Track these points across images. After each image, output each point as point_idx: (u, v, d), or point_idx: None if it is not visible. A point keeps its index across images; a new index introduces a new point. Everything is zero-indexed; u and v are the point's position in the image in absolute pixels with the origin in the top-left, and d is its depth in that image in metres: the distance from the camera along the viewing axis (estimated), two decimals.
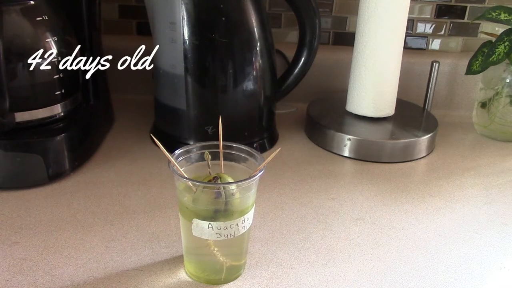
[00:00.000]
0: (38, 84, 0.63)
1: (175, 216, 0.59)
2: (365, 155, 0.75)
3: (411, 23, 0.97)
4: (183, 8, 0.67)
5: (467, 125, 0.90)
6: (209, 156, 0.49)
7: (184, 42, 0.68)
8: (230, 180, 0.47)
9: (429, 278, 0.51)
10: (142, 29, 0.95)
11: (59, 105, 0.66)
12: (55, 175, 0.64)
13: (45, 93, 0.64)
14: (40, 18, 0.63)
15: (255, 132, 0.76)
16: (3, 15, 0.58)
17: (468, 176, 0.73)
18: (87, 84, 0.73)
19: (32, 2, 0.62)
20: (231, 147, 0.50)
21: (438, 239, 0.58)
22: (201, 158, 0.50)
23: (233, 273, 0.49)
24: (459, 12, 0.96)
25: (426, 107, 0.87)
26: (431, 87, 0.86)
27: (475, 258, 0.55)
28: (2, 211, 0.58)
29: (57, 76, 0.64)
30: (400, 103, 0.83)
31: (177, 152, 0.49)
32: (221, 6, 0.68)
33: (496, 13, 0.79)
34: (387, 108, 0.81)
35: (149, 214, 0.59)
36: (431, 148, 0.80)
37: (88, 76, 0.71)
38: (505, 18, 0.78)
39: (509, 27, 0.78)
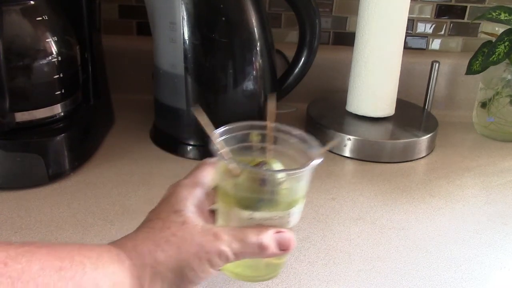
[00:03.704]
0: (38, 84, 0.63)
1: None
2: (365, 155, 0.75)
3: (411, 23, 0.97)
4: (183, 8, 0.67)
5: (467, 125, 0.90)
6: (257, 137, 0.44)
7: (184, 42, 0.68)
8: (278, 167, 0.42)
9: (429, 278, 0.51)
10: (142, 29, 0.95)
11: (59, 105, 0.66)
12: (55, 175, 0.64)
13: (45, 93, 0.64)
14: (40, 18, 0.63)
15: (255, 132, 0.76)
16: (3, 15, 0.58)
17: (468, 176, 0.73)
18: (87, 84, 0.73)
19: (32, 2, 0.62)
20: (282, 130, 0.44)
21: (438, 239, 0.58)
22: (245, 140, 0.44)
23: (271, 272, 0.45)
24: (459, 12, 0.96)
25: (426, 107, 0.87)
26: (431, 87, 0.86)
27: (475, 258, 0.55)
28: (2, 211, 0.58)
29: (57, 76, 0.64)
30: (400, 103, 0.83)
31: (220, 130, 0.43)
32: (221, 6, 0.68)
33: (496, 13, 0.79)
34: (387, 108, 0.81)
35: None
36: (431, 148, 0.80)
37: None
38: (505, 18, 0.78)
39: (509, 27, 0.78)
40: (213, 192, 0.42)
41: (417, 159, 0.77)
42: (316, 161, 0.40)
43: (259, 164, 0.41)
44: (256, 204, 0.40)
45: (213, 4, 0.68)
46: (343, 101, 0.84)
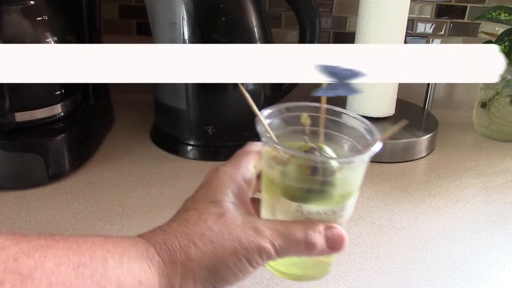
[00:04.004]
0: (38, 84, 0.63)
1: None
2: None
3: (411, 23, 0.97)
4: (183, 8, 0.67)
5: (467, 125, 0.90)
6: (309, 120, 0.39)
7: (184, 42, 0.68)
8: (331, 153, 0.37)
9: (429, 278, 0.51)
10: (142, 29, 0.95)
11: (59, 105, 0.66)
12: (55, 175, 0.64)
13: (45, 93, 0.64)
14: (40, 18, 0.63)
15: (255, 132, 0.76)
16: (3, 15, 0.58)
17: (468, 176, 0.73)
18: (87, 84, 0.73)
19: (32, 2, 0.62)
20: (337, 113, 0.40)
21: (438, 239, 0.58)
22: (295, 122, 0.39)
23: (320, 271, 0.40)
24: (459, 12, 0.96)
25: (426, 107, 0.87)
26: (431, 87, 0.86)
27: (475, 258, 0.55)
28: (2, 211, 0.58)
29: None
30: (400, 103, 0.83)
31: (267, 111, 0.39)
32: (221, 6, 0.68)
33: (496, 13, 0.79)
34: (387, 108, 0.80)
35: (149, 214, 0.59)
36: (431, 148, 0.80)
37: None
38: (505, 18, 0.78)
39: (509, 27, 0.78)
40: (258, 180, 0.38)
41: (417, 159, 0.77)
42: (376, 148, 0.35)
43: (309, 150, 0.36)
44: (305, 195, 0.36)
45: (213, 4, 0.68)
46: (343, 101, 0.84)
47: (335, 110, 0.39)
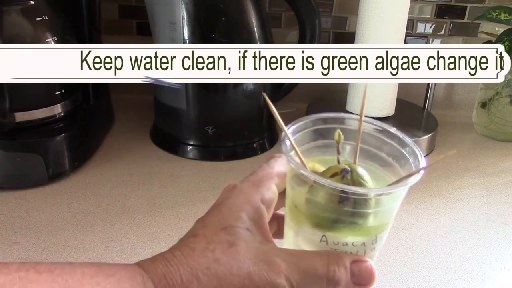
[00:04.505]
0: (38, 84, 0.63)
1: (175, 216, 0.59)
2: None
3: (411, 23, 0.96)
4: (183, 8, 0.67)
5: (467, 125, 0.90)
6: (342, 137, 0.34)
7: (184, 42, 0.68)
8: (366, 177, 0.32)
9: (429, 278, 0.51)
10: (142, 29, 0.95)
11: (59, 105, 0.66)
12: (55, 175, 0.64)
13: (45, 93, 0.64)
14: (40, 18, 0.63)
15: (255, 132, 0.76)
16: (3, 15, 0.58)
17: (468, 176, 0.73)
18: (87, 84, 0.73)
19: (32, 2, 0.62)
20: (377, 128, 0.35)
21: (438, 239, 0.58)
22: (330, 135, 0.35)
23: None
24: (459, 12, 0.96)
25: (426, 107, 0.87)
26: (431, 87, 0.86)
27: (475, 258, 0.55)
28: (2, 211, 0.58)
29: None
30: (400, 103, 0.83)
31: (294, 125, 0.34)
32: (221, 6, 0.68)
33: (496, 13, 0.79)
34: (387, 108, 0.80)
35: (149, 214, 0.59)
36: (431, 148, 0.80)
37: None
38: (505, 18, 0.78)
39: (509, 27, 0.78)
40: (283, 196, 0.34)
41: None
42: (417, 177, 0.31)
43: (341, 173, 0.31)
44: (331, 225, 0.31)
45: (213, 4, 0.68)
46: (343, 101, 0.84)
47: (375, 125, 0.35)
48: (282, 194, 0.35)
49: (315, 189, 0.31)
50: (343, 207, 0.30)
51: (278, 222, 0.35)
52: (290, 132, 0.33)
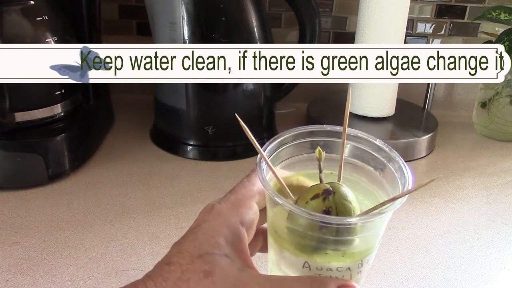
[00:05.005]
0: (38, 84, 0.63)
1: (175, 216, 0.59)
2: None
3: (411, 23, 0.96)
4: (183, 8, 0.67)
5: (467, 125, 0.90)
6: (323, 154, 0.32)
7: (184, 42, 0.68)
8: (351, 197, 0.30)
9: (429, 278, 0.51)
10: (142, 29, 0.95)
11: (59, 105, 0.66)
12: (55, 175, 0.64)
13: (45, 93, 0.64)
14: (40, 18, 0.63)
15: (255, 132, 0.75)
16: (3, 15, 0.58)
17: (468, 176, 0.73)
18: (87, 84, 0.73)
19: (32, 2, 0.62)
20: (359, 139, 0.33)
21: (438, 239, 0.58)
22: (309, 150, 0.33)
23: None
24: (459, 12, 0.96)
25: (426, 107, 0.87)
26: (431, 87, 0.86)
27: (475, 258, 0.55)
28: (2, 211, 0.58)
29: None
30: (400, 103, 0.83)
31: (272, 143, 0.33)
32: (221, 6, 0.68)
33: (496, 13, 0.79)
34: (387, 108, 0.80)
35: (149, 214, 0.59)
36: (431, 148, 0.80)
37: None
38: (505, 18, 0.78)
39: (509, 27, 0.78)
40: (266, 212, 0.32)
41: (417, 159, 0.77)
42: (404, 199, 0.29)
43: (322, 194, 0.29)
44: (313, 251, 0.29)
45: (213, 4, 0.68)
46: (343, 101, 0.84)
47: (360, 137, 0.33)
48: (265, 210, 0.33)
49: (293, 215, 0.29)
50: (324, 235, 0.28)
51: (264, 236, 0.33)
52: (266, 152, 0.32)
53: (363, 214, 0.29)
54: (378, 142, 0.33)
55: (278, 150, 0.33)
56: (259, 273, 0.30)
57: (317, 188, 0.30)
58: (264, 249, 0.35)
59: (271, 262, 0.33)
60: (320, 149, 0.32)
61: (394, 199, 0.29)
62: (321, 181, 0.31)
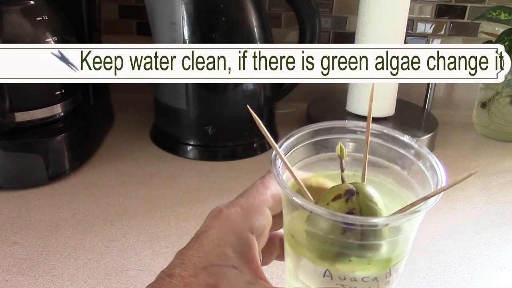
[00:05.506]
0: (38, 84, 0.63)
1: (175, 216, 0.59)
2: None
3: (411, 23, 0.96)
4: (183, 8, 0.67)
5: (467, 125, 0.90)
6: (345, 151, 0.29)
7: (184, 42, 0.68)
8: (376, 199, 0.27)
9: (429, 278, 0.51)
10: (142, 29, 0.95)
11: (59, 105, 0.66)
12: (55, 175, 0.64)
13: (45, 93, 0.64)
14: (40, 18, 0.63)
15: (255, 132, 0.75)
16: (3, 15, 0.58)
17: None
18: (87, 84, 0.73)
19: (32, 2, 0.62)
20: (386, 137, 0.30)
21: (438, 239, 0.57)
22: (330, 146, 0.30)
23: None
24: (459, 12, 0.96)
25: (426, 107, 0.87)
26: (431, 87, 0.86)
27: (475, 258, 0.55)
28: (2, 211, 0.58)
29: None
30: (400, 103, 0.83)
31: (288, 140, 0.30)
32: (221, 6, 0.68)
33: (496, 13, 0.79)
34: (387, 108, 0.80)
35: (149, 214, 0.59)
36: (431, 148, 0.80)
37: None
38: (505, 18, 0.78)
39: (509, 27, 0.78)
40: (280, 218, 0.29)
41: None
42: (438, 197, 0.26)
43: (345, 195, 0.26)
44: (335, 258, 0.26)
45: (213, 4, 0.68)
46: (343, 101, 0.84)
47: (385, 133, 0.30)
48: (280, 215, 0.30)
49: (313, 217, 0.26)
50: (347, 239, 0.25)
51: (281, 242, 0.30)
52: (282, 149, 0.29)
53: (391, 215, 0.26)
54: (406, 138, 0.30)
55: (295, 148, 0.30)
56: (271, 286, 0.27)
57: (339, 189, 0.27)
58: (281, 256, 0.32)
59: (288, 272, 0.30)
60: (342, 145, 0.29)
61: (426, 198, 0.26)
62: (343, 181, 0.28)
